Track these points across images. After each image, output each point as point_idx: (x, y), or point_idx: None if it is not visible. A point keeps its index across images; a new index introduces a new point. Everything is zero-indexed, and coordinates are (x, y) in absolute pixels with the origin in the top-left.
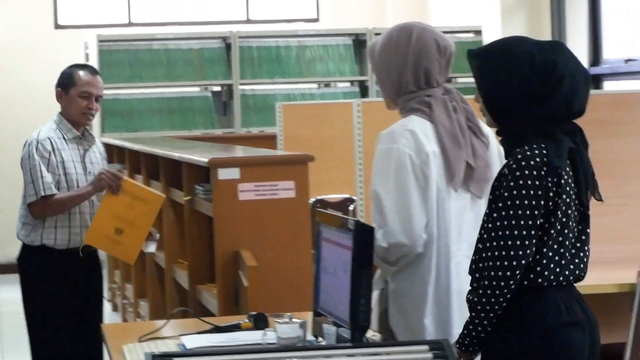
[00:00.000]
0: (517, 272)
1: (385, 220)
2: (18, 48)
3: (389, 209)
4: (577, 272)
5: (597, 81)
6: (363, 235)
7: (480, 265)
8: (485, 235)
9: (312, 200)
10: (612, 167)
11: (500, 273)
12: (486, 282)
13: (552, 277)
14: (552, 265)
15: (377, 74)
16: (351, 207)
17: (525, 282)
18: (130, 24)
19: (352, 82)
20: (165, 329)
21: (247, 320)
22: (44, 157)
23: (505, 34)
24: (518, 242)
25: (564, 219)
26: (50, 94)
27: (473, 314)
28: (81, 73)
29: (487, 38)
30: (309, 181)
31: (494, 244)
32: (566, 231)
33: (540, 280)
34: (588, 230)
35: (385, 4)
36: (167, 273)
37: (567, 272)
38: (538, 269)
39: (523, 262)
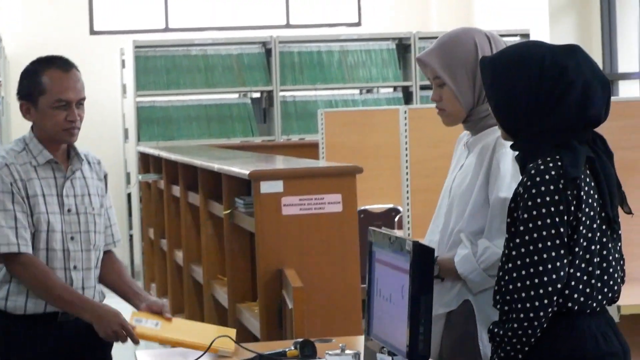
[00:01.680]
0: (554, 297)
1: None
2: (52, 54)
3: None
4: (609, 293)
5: None
6: (422, 257)
7: (508, 297)
8: (510, 265)
9: None
10: None
11: (536, 303)
12: (521, 315)
13: (582, 299)
14: (581, 287)
15: (466, 76)
16: (397, 218)
17: (555, 308)
18: (167, 29)
19: (395, 87)
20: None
21: (292, 348)
22: (3, 192)
23: (553, 36)
24: (549, 266)
25: (589, 235)
26: (87, 102)
27: (507, 347)
28: (50, 73)
29: None
30: (356, 194)
31: (523, 272)
32: (593, 247)
33: (570, 304)
34: (619, 246)
35: (429, 8)
36: (205, 289)
37: (598, 294)
38: (567, 292)
39: (559, 285)
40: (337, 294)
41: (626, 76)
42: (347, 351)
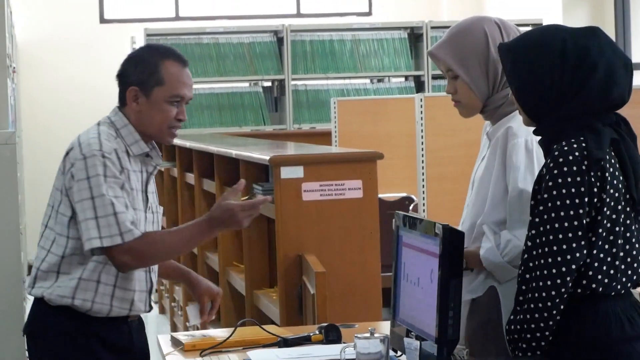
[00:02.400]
0: (569, 278)
1: None
2: (63, 43)
3: None
4: (634, 276)
5: None
6: (453, 241)
7: (527, 276)
8: (529, 244)
9: None
10: None
11: (549, 282)
12: (536, 295)
13: (606, 280)
14: (604, 268)
15: (479, 67)
16: (411, 207)
17: (579, 290)
18: (177, 18)
19: (406, 77)
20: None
21: (317, 332)
22: (117, 178)
23: None
24: (564, 246)
25: (613, 216)
26: (98, 91)
27: (527, 335)
28: (169, 65)
29: None
30: (377, 180)
31: (539, 251)
32: (617, 229)
33: (594, 285)
34: None
35: None
36: (221, 277)
37: (622, 277)
38: (590, 273)
39: (573, 266)
40: (357, 280)
41: None
42: (376, 334)
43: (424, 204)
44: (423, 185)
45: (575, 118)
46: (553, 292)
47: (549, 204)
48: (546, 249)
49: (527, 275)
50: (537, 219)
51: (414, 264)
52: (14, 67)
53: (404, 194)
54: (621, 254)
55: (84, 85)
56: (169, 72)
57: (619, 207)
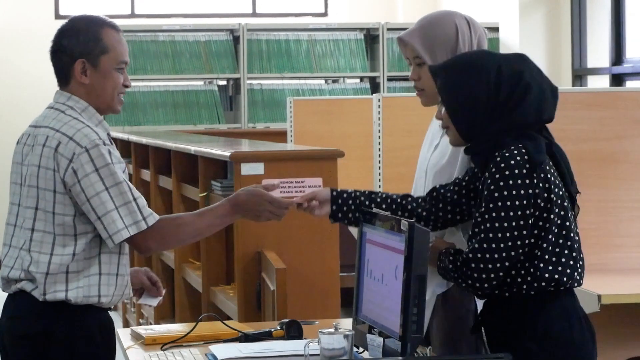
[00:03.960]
0: (500, 273)
1: None
2: (17, 38)
3: None
4: (582, 272)
5: (619, 80)
6: (418, 238)
7: (471, 255)
8: (472, 239)
9: None
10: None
11: (483, 275)
12: (469, 282)
13: (564, 278)
14: (563, 260)
15: (446, 57)
16: None
17: (543, 284)
18: (133, 15)
19: (361, 78)
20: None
21: (278, 328)
22: (121, 163)
23: (523, 31)
24: (510, 243)
25: (561, 213)
26: (52, 86)
27: (463, 284)
28: (107, 32)
29: (505, 35)
30: (337, 178)
31: (484, 245)
32: (567, 224)
33: (554, 284)
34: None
35: None
36: (177, 273)
37: (582, 272)
38: (550, 267)
39: (507, 264)
40: (316, 277)
41: (595, 71)
42: (341, 330)
43: None
44: (379, 186)
45: (512, 130)
46: (486, 285)
47: (496, 208)
48: (485, 245)
49: (471, 255)
50: (479, 219)
51: (377, 261)
52: None
53: None
54: (575, 249)
55: (39, 80)
56: (111, 40)
57: (565, 203)
